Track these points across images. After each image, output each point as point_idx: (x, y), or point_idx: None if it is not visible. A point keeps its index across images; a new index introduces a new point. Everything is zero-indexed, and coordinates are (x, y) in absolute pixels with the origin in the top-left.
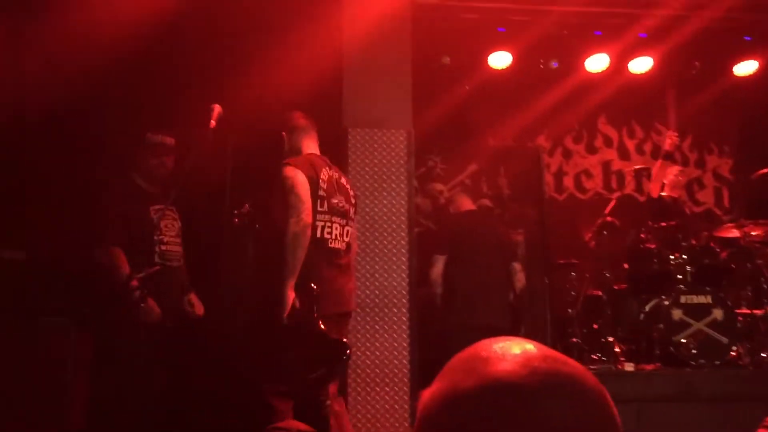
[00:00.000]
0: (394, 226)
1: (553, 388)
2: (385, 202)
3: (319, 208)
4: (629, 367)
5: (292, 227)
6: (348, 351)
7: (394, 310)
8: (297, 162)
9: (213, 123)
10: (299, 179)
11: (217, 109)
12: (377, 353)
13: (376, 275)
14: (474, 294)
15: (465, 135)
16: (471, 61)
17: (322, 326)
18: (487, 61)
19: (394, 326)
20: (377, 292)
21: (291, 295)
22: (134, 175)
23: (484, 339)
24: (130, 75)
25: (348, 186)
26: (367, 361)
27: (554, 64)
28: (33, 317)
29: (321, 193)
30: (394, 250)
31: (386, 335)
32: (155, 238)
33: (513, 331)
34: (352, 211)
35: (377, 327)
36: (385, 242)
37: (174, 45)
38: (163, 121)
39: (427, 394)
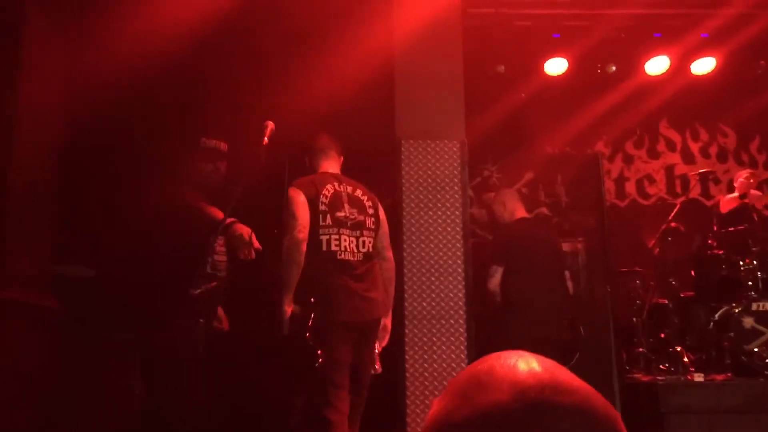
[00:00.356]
0: (449, 237)
1: (546, 424)
2: (439, 213)
3: (321, 223)
4: (699, 377)
5: (284, 244)
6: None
7: (451, 321)
8: (299, 182)
9: (266, 140)
10: (297, 199)
11: (270, 125)
12: (435, 365)
13: (432, 287)
14: (532, 305)
15: (520, 143)
16: (526, 69)
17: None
18: (542, 68)
19: (452, 337)
20: (434, 303)
21: (287, 309)
22: (187, 182)
23: (504, 353)
24: (183, 86)
25: (365, 198)
26: (425, 373)
27: (612, 68)
28: (101, 332)
29: (322, 208)
30: (450, 261)
31: (444, 347)
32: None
33: (572, 342)
34: (370, 221)
35: (434, 339)
36: (440, 253)
37: (226, 56)
38: (215, 130)
39: (432, 410)
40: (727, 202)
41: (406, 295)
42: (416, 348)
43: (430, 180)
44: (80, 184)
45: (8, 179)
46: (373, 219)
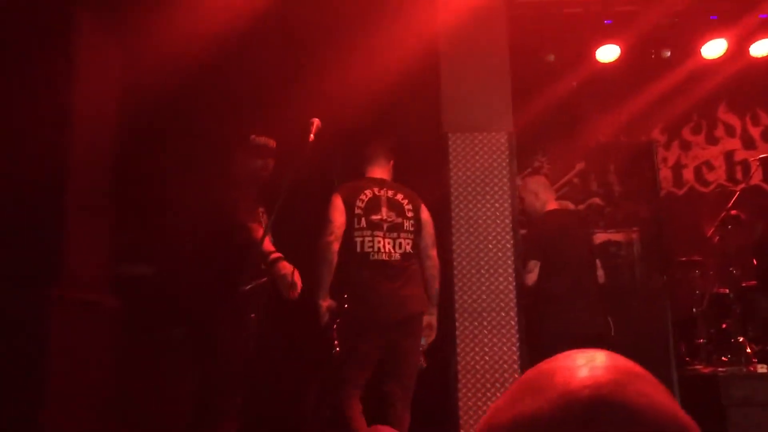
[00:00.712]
0: (499, 230)
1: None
2: (488, 205)
3: (356, 226)
4: (762, 368)
5: (317, 245)
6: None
7: (502, 314)
8: (342, 187)
9: (312, 137)
10: (334, 203)
11: (316, 122)
12: (486, 357)
13: (482, 279)
14: (570, 301)
15: (572, 133)
16: (577, 57)
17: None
18: (594, 56)
19: (503, 330)
20: (484, 296)
21: (322, 305)
22: (237, 179)
23: (569, 351)
24: (230, 83)
25: (406, 201)
26: (477, 366)
27: (667, 54)
28: (158, 329)
29: (357, 211)
30: (500, 254)
31: (495, 339)
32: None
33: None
34: (408, 224)
35: (485, 332)
36: (489, 245)
37: (271, 52)
38: (264, 127)
39: (488, 413)
40: None
41: (456, 289)
42: (467, 342)
43: (478, 173)
44: (135, 184)
45: (67, 181)
46: (412, 221)
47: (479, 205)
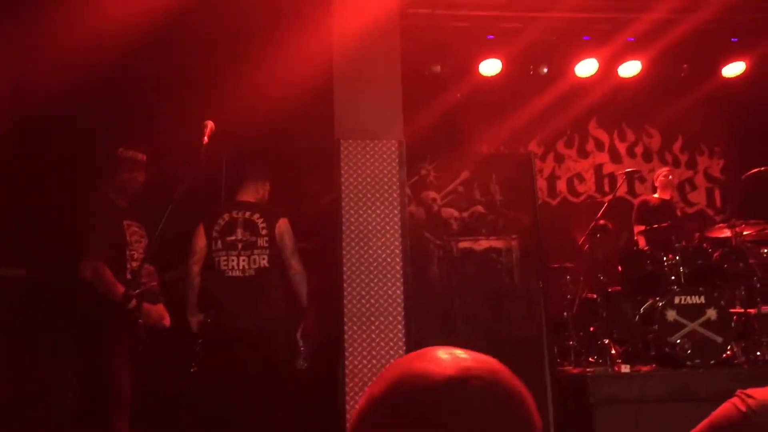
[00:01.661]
0: (388, 236)
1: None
2: (378, 212)
3: (214, 247)
4: (625, 368)
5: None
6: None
7: (390, 318)
8: (204, 215)
9: (206, 139)
10: (197, 230)
11: (209, 125)
12: (374, 361)
13: (371, 284)
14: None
15: (457, 142)
16: (462, 69)
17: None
18: (477, 69)
19: (390, 334)
20: (372, 300)
21: (192, 321)
22: (106, 189)
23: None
24: (119, 86)
25: (261, 221)
26: (364, 370)
27: (544, 70)
28: (34, 334)
29: (215, 235)
30: (389, 259)
31: (383, 343)
32: (127, 254)
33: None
34: (263, 241)
35: (373, 335)
36: (378, 251)
37: (164, 58)
38: (153, 133)
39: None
40: (650, 199)
41: (345, 293)
42: (356, 345)
43: (369, 179)
44: (15, 186)
45: None
46: (266, 238)
47: (369, 211)
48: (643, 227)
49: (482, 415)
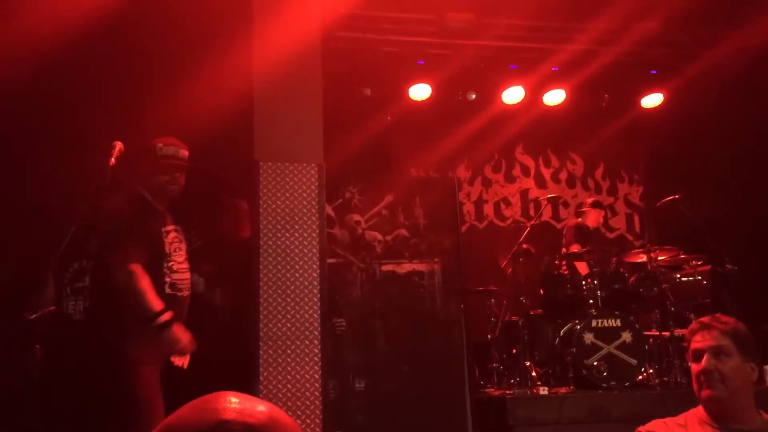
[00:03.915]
0: (306, 259)
1: None
2: (296, 235)
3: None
4: (543, 391)
5: None
6: None
7: (306, 342)
8: None
9: (113, 161)
10: None
11: (118, 146)
12: (288, 385)
13: (288, 307)
14: None
15: (385, 166)
16: (392, 93)
17: None
18: (407, 93)
19: (306, 358)
20: (289, 324)
21: None
22: (142, 190)
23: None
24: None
25: None
26: (279, 394)
27: (472, 96)
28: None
29: None
30: (306, 282)
31: (298, 367)
32: (164, 266)
33: None
34: None
35: (289, 359)
36: (296, 274)
37: (74, 77)
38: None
39: None
40: (573, 225)
41: (261, 316)
42: (270, 369)
43: (288, 202)
44: None
45: None
46: None
47: (288, 234)
48: (578, 247)
49: None
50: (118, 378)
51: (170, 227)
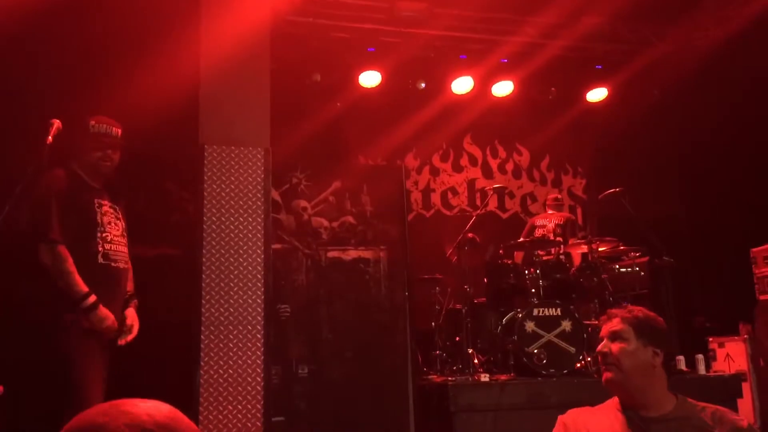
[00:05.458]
0: (250, 244)
1: None
2: (241, 219)
3: None
4: (484, 377)
5: None
6: None
7: (249, 327)
8: None
9: (50, 139)
10: None
11: (56, 123)
12: (230, 371)
13: (231, 292)
14: None
15: (333, 152)
16: (342, 79)
17: None
18: (357, 80)
19: (248, 344)
20: (231, 309)
21: None
22: (76, 167)
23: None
24: None
25: None
26: (220, 379)
27: (422, 85)
28: None
29: None
30: (250, 267)
31: (240, 352)
32: (98, 235)
33: None
34: None
35: (231, 345)
36: (240, 259)
37: (22, 58)
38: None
39: None
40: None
41: (204, 301)
42: (212, 354)
43: (233, 186)
44: None
45: None
46: None
47: (232, 218)
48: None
49: None
50: (56, 343)
51: (105, 201)
